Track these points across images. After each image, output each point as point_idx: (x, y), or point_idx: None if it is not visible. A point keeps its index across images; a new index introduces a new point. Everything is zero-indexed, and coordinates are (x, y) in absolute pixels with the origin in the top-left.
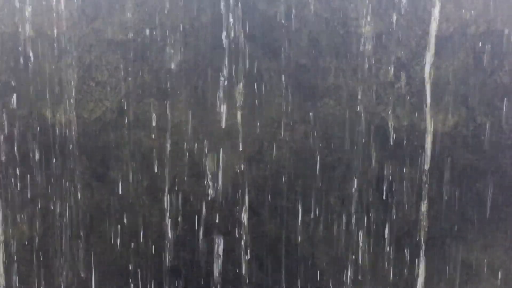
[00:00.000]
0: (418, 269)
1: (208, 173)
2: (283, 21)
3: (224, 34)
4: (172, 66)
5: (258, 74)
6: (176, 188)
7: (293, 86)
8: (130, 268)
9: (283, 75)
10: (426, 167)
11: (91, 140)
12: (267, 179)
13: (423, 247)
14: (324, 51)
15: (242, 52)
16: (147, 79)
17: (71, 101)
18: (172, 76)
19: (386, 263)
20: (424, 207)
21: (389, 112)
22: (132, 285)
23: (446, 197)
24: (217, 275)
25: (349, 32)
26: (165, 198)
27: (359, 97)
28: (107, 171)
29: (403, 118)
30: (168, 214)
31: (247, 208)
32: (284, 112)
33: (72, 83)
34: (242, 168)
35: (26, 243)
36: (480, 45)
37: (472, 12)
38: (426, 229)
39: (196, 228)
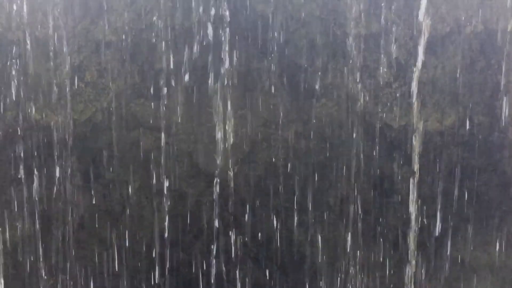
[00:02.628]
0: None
1: (203, 172)
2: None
3: (214, 32)
4: (163, 66)
5: (251, 73)
6: (170, 188)
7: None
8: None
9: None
10: (420, 166)
11: (82, 141)
12: (260, 179)
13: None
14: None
15: (235, 51)
16: (137, 80)
17: (61, 102)
18: (163, 76)
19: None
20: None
21: (385, 112)
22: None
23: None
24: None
25: (344, 32)
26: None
27: (355, 97)
28: (98, 172)
29: (399, 117)
30: (165, 212)
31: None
32: (278, 112)
33: (62, 84)
34: (235, 169)
35: (18, 243)
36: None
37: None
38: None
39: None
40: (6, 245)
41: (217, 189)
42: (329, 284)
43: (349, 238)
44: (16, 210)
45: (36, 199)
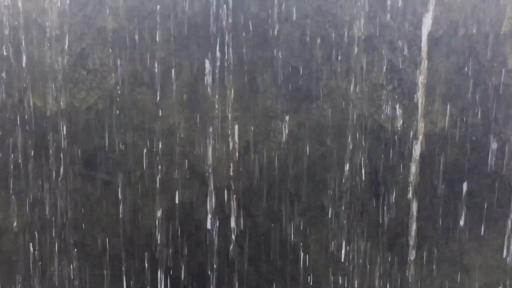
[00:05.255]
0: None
1: (200, 167)
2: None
3: (214, 26)
4: (163, 55)
5: (248, 72)
6: (168, 179)
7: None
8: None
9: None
10: (417, 168)
11: (83, 129)
12: (257, 179)
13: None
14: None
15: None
16: (138, 68)
17: (62, 89)
18: (163, 65)
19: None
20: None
21: (381, 114)
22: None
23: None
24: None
25: (341, 35)
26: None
27: (351, 99)
28: (98, 162)
29: (395, 120)
30: (159, 203)
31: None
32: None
33: (63, 71)
34: (232, 167)
35: (15, 234)
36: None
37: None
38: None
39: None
40: None
41: (213, 182)
42: None
43: (340, 239)
44: (14, 199)
45: (35, 188)
